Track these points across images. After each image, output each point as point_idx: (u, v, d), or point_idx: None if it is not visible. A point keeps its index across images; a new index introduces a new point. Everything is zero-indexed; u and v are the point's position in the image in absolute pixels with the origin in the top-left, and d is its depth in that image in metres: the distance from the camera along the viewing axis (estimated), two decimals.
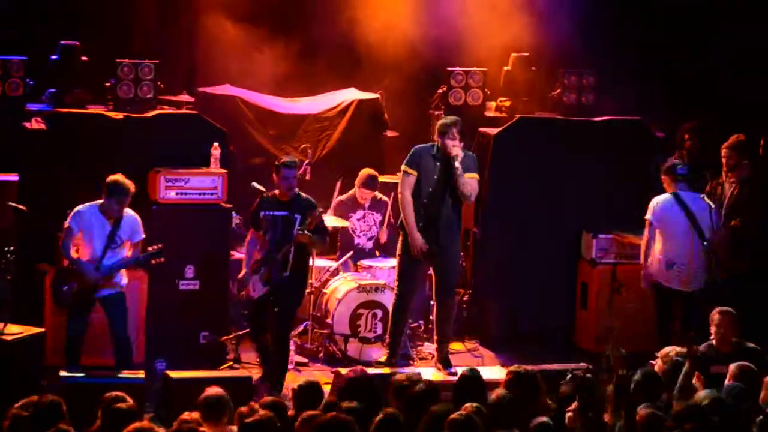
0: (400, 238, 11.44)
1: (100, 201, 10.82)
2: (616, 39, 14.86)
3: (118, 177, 10.79)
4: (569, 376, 8.55)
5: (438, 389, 8.36)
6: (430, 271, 11.77)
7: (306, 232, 10.97)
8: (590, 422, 7.81)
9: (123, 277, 10.95)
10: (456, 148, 11.08)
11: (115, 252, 10.82)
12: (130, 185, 10.78)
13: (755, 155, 12.89)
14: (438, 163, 11.21)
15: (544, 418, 7.78)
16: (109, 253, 10.79)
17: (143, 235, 10.97)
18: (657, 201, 11.76)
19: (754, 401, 8.47)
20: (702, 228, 11.67)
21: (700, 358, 8.86)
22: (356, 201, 12.95)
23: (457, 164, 11.02)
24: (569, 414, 7.97)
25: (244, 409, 7.77)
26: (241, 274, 11.31)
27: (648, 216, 11.76)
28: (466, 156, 11.25)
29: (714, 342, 10.12)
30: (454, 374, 11.00)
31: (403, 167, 11.35)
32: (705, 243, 11.68)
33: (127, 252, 10.88)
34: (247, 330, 11.92)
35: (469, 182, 11.16)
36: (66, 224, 10.86)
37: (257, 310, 11.30)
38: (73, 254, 10.81)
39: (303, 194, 11.25)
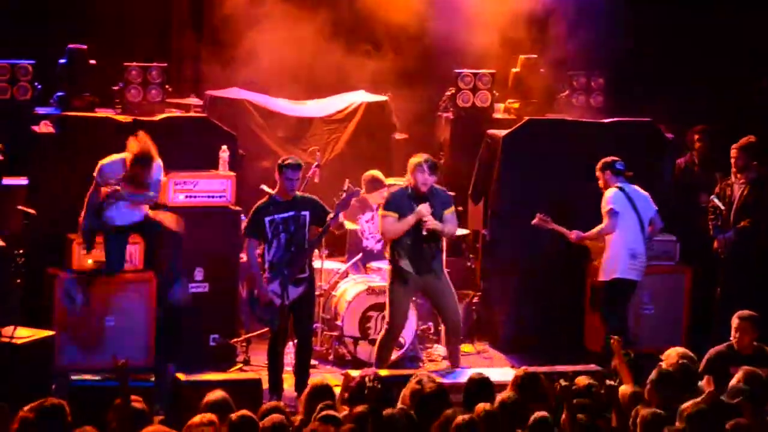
0: (390, 271, 11.41)
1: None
2: (625, 40, 14.85)
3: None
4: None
5: (447, 391, 8.37)
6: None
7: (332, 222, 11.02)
8: (581, 426, 7.82)
9: None
10: (424, 208, 11.05)
11: None
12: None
13: (765, 157, 12.89)
14: (413, 203, 11.18)
15: (544, 413, 7.81)
16: None
17: None
18: (611, 193, 11.91)
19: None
20: (644, 220, 11.93)
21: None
22: (365, 202, 12.91)
23: (429, 225, 11.04)
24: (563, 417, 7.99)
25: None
26: (263, 285, 10.96)
27: (611, 206, 11.87)
28: (438, 194, 11.28)
29: (734, 343, 10.04)
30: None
31: (380, 212, 11.33)
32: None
33: None
34: (257, 332, 11.94)
35: (449, 224, 11.24)
36: None
37: (286, 314, 11.01)
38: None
39: (299, 193, 11.18)
